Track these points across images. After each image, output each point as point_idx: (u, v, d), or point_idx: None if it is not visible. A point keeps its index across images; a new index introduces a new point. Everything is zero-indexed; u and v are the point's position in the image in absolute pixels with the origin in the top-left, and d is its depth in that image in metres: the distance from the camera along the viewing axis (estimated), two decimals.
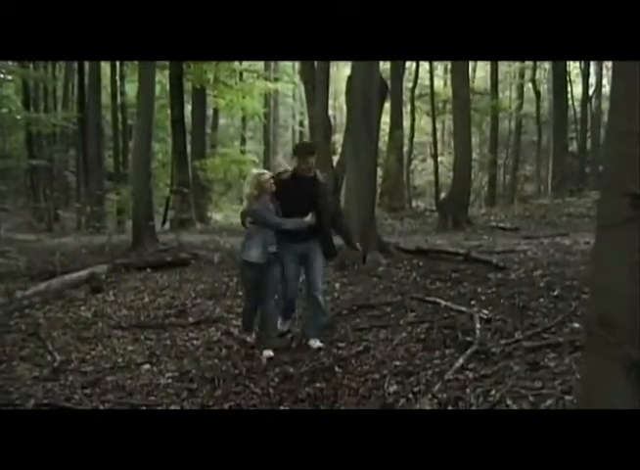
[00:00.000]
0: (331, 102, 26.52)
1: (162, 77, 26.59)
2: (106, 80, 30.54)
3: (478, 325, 7.37)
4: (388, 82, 24.03)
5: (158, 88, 20.83)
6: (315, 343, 7.82)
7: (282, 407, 6.17)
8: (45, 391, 6.76)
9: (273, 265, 7.69)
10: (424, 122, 42.22)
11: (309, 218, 7.62)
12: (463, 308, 8.07)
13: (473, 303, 8.38)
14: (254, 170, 8.12)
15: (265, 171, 8.00)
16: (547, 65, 37.99)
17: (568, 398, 5.34)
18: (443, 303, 8.43)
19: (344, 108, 21.98)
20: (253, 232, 7.65)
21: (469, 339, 7.08)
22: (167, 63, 24.26)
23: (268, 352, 7.63)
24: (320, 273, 7.98)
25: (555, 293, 8.37)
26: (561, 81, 28.94)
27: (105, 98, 30.63)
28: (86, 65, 27.86)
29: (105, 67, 29.69)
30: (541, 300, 8.18)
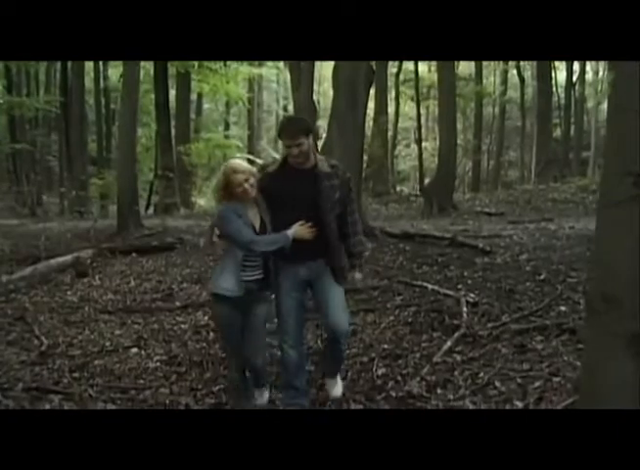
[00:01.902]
0: (315, 87, 26.45)
1: (146, 62, 26.44)
2: (89, 64, 30.33)
3: (465, 309, 7.42)
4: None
5: (142, 73, 20.68)
6: (335, 389, 5.79)
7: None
8: (33, 374, 6.74)
9: (257, 301, 5.35)
10: (408, 108, 42.29)
11: (294, 231, 5.10)
12: (450, 292, 8.11)
13: (459, 286, 8.43)
14: (231, 160, 5.42)
15: (240, 161, 5.39)
16: None
17: (555, 379, 5.41)
18: (430, 286, 8.47)
19: (329, 93, 21.92)
20: (224, 250, 5.36)
21: (456, 322, 7.14)
22: None
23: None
24: (342, 306, 5.53)
25: (541, 277, 8.44)
26: (545, 67, 28.99)
27: (88, 82, 30.45)
28: None
29: None
30: (527, 283, 8.25)
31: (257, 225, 5.20)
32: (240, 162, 5.20)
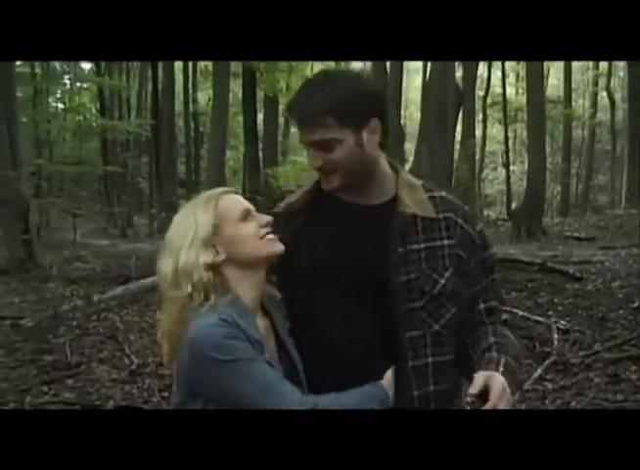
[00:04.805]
0: (401, 111, 26.42)
1: (235, 86, 26.83)
2: (178, 88, 30.96)
3: (555, 336, 7.29)
4: None
5: (230, 96, 21.01)
6: None
7: None
8: (124, 393, 6.85)
9: None
10: (495, 131, 41.98)
11: (391, 382, 2.04)
12: (540, 319, 7.97)
13: (550, 313, 8.26)
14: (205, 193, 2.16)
15: (232, 190, 2.22)
16: (622, 72, 37.38)
17: None
18: (520, 313, 8.32)
19: (414, 116, 21.88)
20: None
21: (547, 349, 7.02)
22: (240, 71, 24.49)
23: None
24: None
25: (635, 304, 8.23)
26: (636, 89, 28.35)
27: (177, 105, 31.06)
28: (160, 73, 28.31)
29: (177, 74, 30.10)
30: (620, 311, 8.05)
31: (274, 353, 2.11)
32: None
